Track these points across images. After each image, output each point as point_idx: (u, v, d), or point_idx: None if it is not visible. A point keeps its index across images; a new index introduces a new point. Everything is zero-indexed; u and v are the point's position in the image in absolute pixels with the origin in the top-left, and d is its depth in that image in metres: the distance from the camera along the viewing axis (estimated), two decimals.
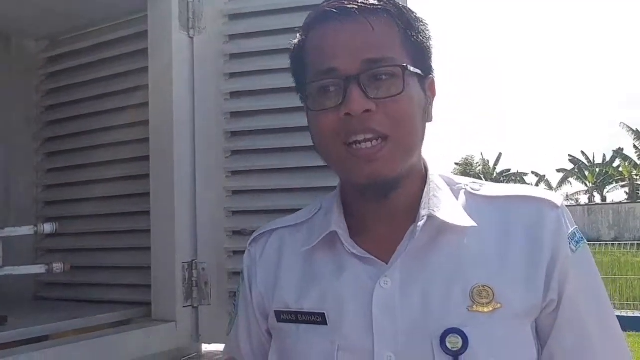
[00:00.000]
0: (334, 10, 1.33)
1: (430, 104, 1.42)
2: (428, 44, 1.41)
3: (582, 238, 1.39)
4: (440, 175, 1.47)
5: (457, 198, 1.42)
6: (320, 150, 1.40)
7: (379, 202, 1.38)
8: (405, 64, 1.32)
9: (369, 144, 1.29)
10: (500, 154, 68.60)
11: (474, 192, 1.44)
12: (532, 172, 69.75)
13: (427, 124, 1.42)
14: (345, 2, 1.33)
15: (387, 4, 1.35)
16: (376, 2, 1.34)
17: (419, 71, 1.35)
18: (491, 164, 67.79)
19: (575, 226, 1.39)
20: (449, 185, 1.45)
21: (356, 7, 1.32)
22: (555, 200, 1.39)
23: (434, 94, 1.43)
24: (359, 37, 1.31)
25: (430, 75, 1.42)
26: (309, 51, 1.39)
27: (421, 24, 1.40)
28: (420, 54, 1.38)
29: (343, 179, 1.42)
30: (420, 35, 1.38)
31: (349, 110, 1.27)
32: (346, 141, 1.30)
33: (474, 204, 1.41)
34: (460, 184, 1.46)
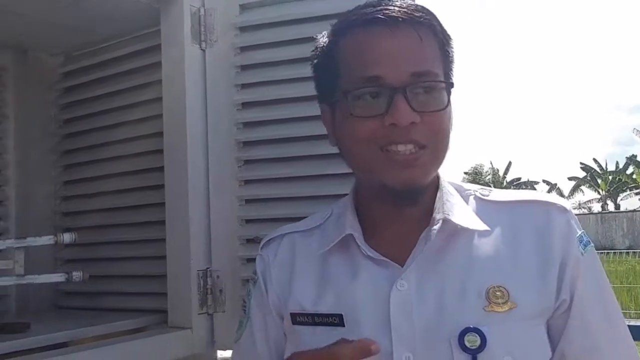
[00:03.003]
0: (381, 17, 1.34)
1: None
2: (454, 57, 1.44)
3: (589, 241, 1.42)
4: (449, 182, 1.51)
5: (467, 203, 1.46)
6: (351, 153, 1.42)
7: (405, 207, 1.42)
8: (450, 81, 1.37)
9: (407, 151, 1.32)
10: (510, 163, 68.15)
11: (483, 197, 1.48)
12: (543, 181, 69.41)
13: None
14: (390, 11, 1.34)
15: (431, 18, 1.37)
16: (422, 14, 1.36)
17: (453, 86, 1.39)
18: (501, 173, 67.42)
19: (582, 230, 1.43)
20: (458, 192, 1.49)
21: (406, 17, 1.33)
22: (563, 204, 1.44)
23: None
24: (408, 48, 1.34)
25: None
26: (348, 54, 1.40)
27: (450, 38, 1.43)
28: (450, 67, 1.42)
29: (374, 184, 1.41)
30: (449, 48, 1.42)
31: (396, 122, 1.30)
32: (383, 147, 1.33)
33: (484, 208, 1.46)
34: (470, 190, 1.51)
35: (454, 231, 1.40)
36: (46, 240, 2.25)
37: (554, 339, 1.39)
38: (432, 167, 1.39)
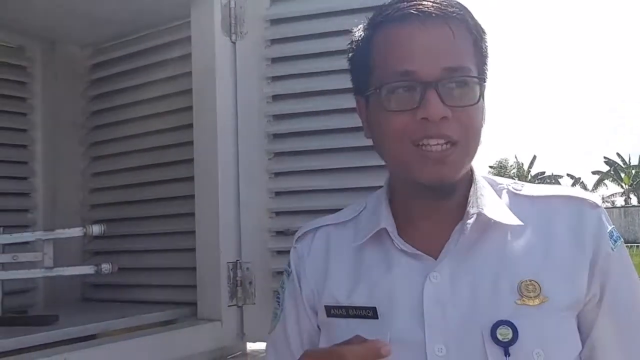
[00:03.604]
0: (414, 12, 1.33)
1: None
2: (488, 52, 1.42)
3: (619, 237, 1.42)
4: (482, 176, 1.50)
5: (500, 197, 1.46)
6: (384, 147, 1.41)
7: (436, 203, 1.42)
8: (482, 77, 1.36)
9: (439, 147, 1.31)
10: (534, 157, 68.03)
11: (516, 191, 1.47)
12: (567, 175, 69.23)
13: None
14: (423, 6, 1.34)
15: (465, 13, 1.36)
16: (456, 9, 1.35)
17: (486, 82, 1.38)
18: (525, 167, 67.34)
19: (613, 225, 1.43)
20: (491, 186, 1.48)
21: (439, 12, 1.33)
22: (595, 199, 1.43)
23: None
24: (440, 42, 1.33)
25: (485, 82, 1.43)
26: (381, 49, 1.40)
27: (485, 33, 1.42)
28: (484, 63, 1.41)
29: (406, 178, 1.41)
30: (484, 43, 1.41)
31: (427, 116, 1.29)
32: (415, 142, 1.32)
33: (517, 202, 1.45)
34: (502, 184, 1.50)
35: (487, 225, 1.40)
36: (75, 232, 2.26)
37: (583, 331, 1.38)
38: (463, 164, 1.38)
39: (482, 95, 1.36)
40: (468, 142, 1.35)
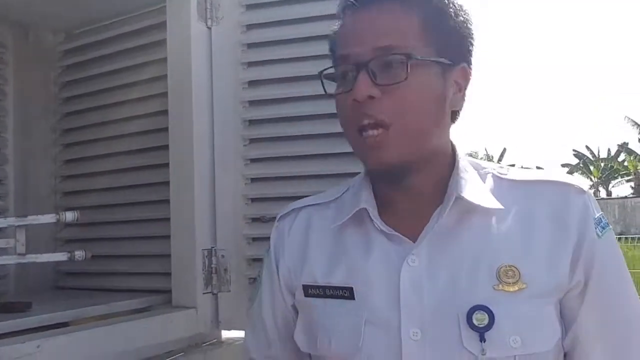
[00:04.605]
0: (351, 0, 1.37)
1: (459, 91, 1.42)
2: (462, 30, 1.40)
3: (607, 224, 1.40)
4: (469, 160, 1.49)
5: (484, 181, 1.45)
6: (344, 134, 1.43)
7: (396, 186, 1.42)
8: (409, 52, 1.32)
9: (374, 132, 1.32)
10: (504, 149, 68.24)
11: (500, 175, 1.46)
12: (537, 167, 69.51)
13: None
14: None
15: None
16: None
17: (432, 59, 1.35)
18: (495, 159, 67.58)
19: (601, 212, 1.41)
20: (475, 169, 1.47)
21: None
22: (582, 185, 1.41)
23: (466, 81, 1.43)
24: (371, 25, 1.34)
25: (462, 64, 1.41)
26: (335, 38, 1.44)
27: (452, 8, 1.39)
28: (450, 41, 1.38)
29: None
30: (452, 21, 1.38)
31: (354, 96, 1.31)
32: (359, 129, 1.34)
33: (501, 187, 1.44)
34: (487, 168, 1.49)
35: (467, 209, 1.39)
36: (48, 218, 2.22)
37: (568, 319, 1.37)
38: (402, 147, 1.34)
39: (412, 72, 1.31)
40: (404, 123, 1.33)
